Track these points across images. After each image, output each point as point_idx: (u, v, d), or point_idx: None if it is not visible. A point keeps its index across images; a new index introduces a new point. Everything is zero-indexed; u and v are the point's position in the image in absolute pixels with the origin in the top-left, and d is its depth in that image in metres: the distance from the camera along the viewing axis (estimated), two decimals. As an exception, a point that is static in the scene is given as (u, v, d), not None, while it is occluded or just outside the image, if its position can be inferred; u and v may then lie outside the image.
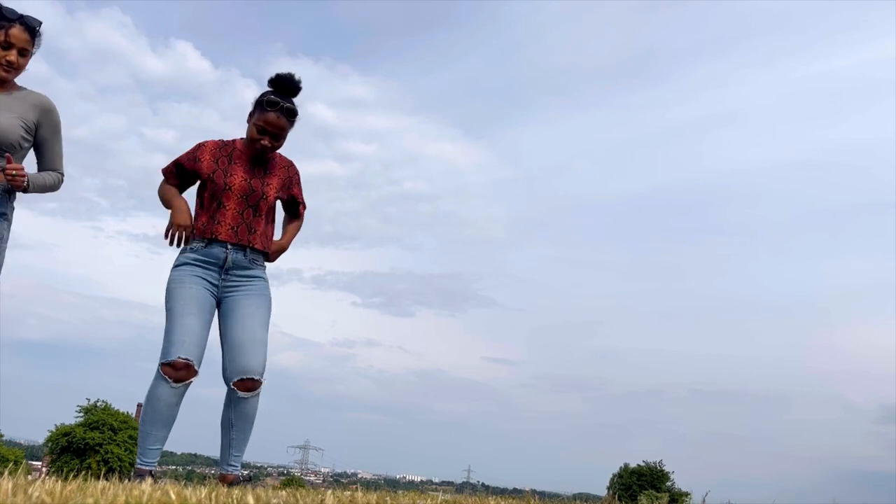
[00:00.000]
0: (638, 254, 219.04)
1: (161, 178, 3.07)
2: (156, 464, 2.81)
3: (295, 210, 3.18)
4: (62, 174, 2.93)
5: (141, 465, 2.78)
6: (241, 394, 2.82)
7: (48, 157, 2.89)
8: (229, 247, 2.90)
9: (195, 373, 2.77)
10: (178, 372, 2.73)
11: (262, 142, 2.91)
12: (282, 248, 3.12)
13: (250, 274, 2.96)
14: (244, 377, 2.82)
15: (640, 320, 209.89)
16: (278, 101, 2.89)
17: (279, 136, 2.94)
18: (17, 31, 2.68)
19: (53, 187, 2.90)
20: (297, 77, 2.95)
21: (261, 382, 2.86)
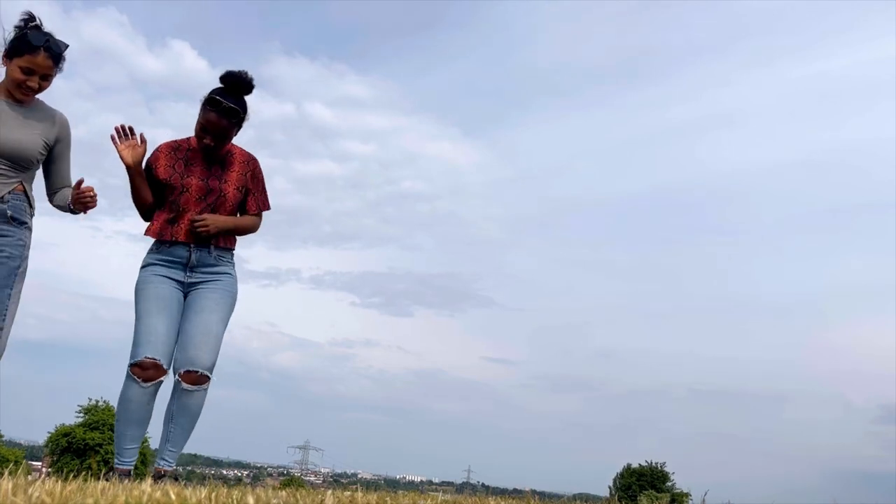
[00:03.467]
0: (637, 254, 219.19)
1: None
2: (133, 463, 2.81)
3: (245, 210, 3.04)
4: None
5: (120, 464, 2.78)
6: (185, 385, 2.79)
7: (63, 172, 2.92)
8: (192, 246, 2.89)
9: (164, 372, 2.77)
10: (146, 371, 2.73)
11: (205, 141, 2.87)
12: (224, 223, 2.91)
13: (216, 270, 2.94)
14: (190, 369, 2.79)
15: (639, 320, 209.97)
16: (220, 102, 2.82)
17: (224, 135, 2.87)
18: (41, 59, 2.68)
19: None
20: (248, 76, 2.87)
21: (207, 378, 2.82)
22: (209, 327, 2.85)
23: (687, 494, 27.47)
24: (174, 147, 2.99)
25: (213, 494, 1.71)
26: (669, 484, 33.42)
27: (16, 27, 2.73)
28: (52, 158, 2.89)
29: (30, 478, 2.03)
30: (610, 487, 34.08)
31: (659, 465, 34.80)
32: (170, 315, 2.83)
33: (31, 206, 2.82)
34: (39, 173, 2.91)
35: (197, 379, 2.81)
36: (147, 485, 1.80)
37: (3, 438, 38.30)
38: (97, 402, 32.09)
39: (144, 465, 19.01)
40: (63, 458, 29.95)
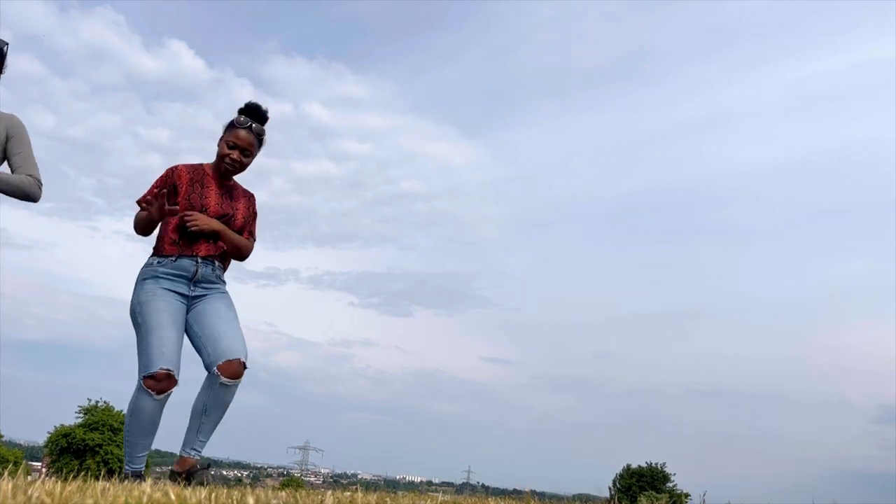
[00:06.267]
0: (634, 254, 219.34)
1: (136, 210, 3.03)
2: (143, 465, 2.91)
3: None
4: (38, 179, 3.00)
5: (131, 469, 2.88)
6: (224, 379, 2.84)
7: (20, 165, 2.99)
8: (199, 260, 2.97)
9: (176, 382, 2.81)
10: (160, 383, 2.76)
11: (232, 155, 3.03)
12: (211, 224, 2.99)
13: (216, 286, 3.05)
14: (231, 358, 2.86)
15: (638, 320, 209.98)
16: (250, 121, 3.07)
17: (249, 153, 3.07)
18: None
19: (23, 187, 2.94)
20: (264, 107, 3.13)
21: (245, 367, 2.90)
22: (234, 325, 2.98)
23: (687, 495, 27.46)
24: (192, 169, 3.10)
25: (213, 495, 1.71)
26: (670, 484, 33.43)
27: None
28: (8, 157, 2.99)
29: (29, 478, 2.03)
30: (610, 488, 34.08)
31: (659, 466, 34.82)
32: (180, 329, 2.91)
33: None
34: None
35: (237, 371, 2.87)
36: (147, 485, 1.80)
37: (3, 438, 38.31)
38: (97, 402, 32.12)
39: (147, 467, 18.99)
40: (63, 459, 29.97)
